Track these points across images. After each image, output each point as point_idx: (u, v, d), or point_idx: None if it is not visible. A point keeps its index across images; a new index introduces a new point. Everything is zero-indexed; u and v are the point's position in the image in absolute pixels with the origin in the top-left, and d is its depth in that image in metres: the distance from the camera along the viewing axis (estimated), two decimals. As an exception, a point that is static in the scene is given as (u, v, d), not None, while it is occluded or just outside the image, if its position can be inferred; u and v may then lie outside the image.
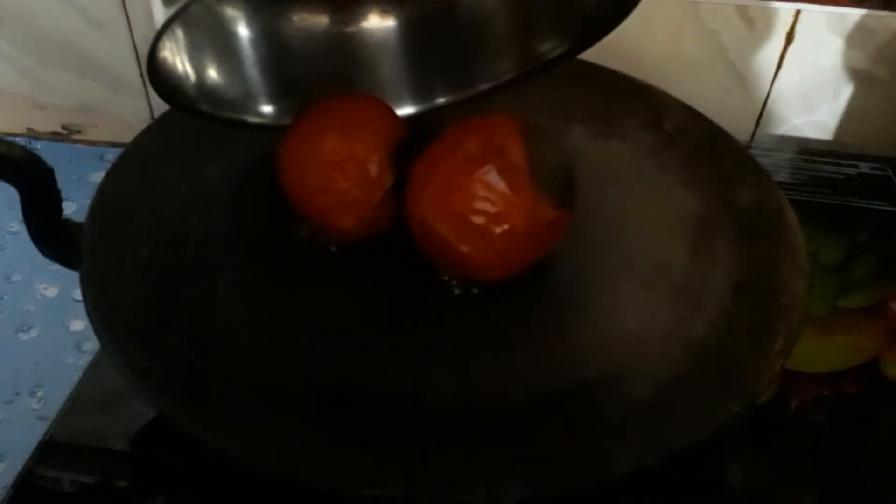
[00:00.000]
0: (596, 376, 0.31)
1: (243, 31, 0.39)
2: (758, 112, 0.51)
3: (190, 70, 0.36)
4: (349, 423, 0.29)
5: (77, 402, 0.34)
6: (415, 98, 0.42)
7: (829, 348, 0.38)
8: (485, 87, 0.41)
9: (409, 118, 0.41)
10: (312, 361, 0.32)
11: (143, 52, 0.51)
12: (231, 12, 0.38)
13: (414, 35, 0.42)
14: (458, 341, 0.34)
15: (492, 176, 0.32)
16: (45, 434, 0.33)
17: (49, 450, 0.33)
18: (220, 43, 0.38)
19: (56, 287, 0.43)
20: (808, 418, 0.35)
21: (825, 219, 0.44)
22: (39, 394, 0.38)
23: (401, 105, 0.42)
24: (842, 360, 0.37)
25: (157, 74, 0.31)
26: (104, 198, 0.35)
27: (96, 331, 0.30)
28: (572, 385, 0.31)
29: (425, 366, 0.32)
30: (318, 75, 0.41)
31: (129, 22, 0.50)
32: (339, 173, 0.35)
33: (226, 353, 0.32)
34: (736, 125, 0.48)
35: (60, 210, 0.33)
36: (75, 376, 0.36)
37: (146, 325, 0.31)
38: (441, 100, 0.42)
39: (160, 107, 0.35)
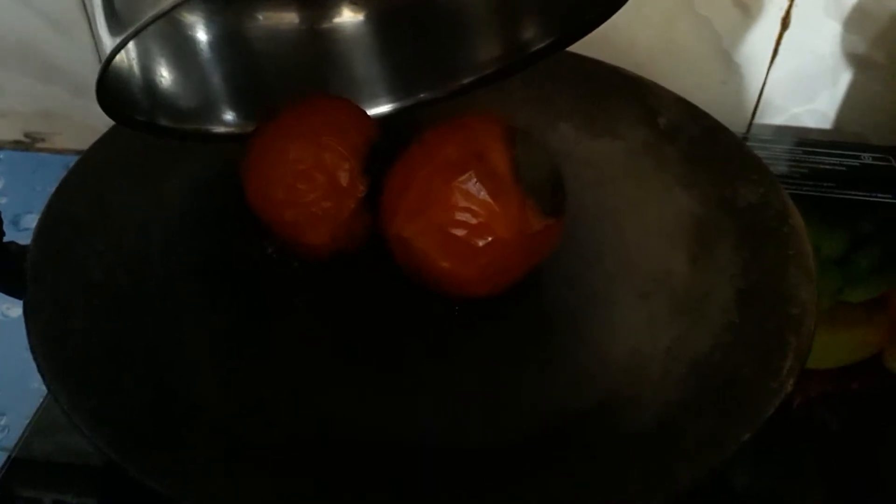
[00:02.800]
0: (593, 405, 0.30)
1: (202, 35, 0.36)
2: (754, 102, 0.50)
3: (143, 82, 0.34)
4: (324, 469, 0.27)
5: (45, 421, 0.33)
6: (391, 95, 0.40)
7: (832, 344, 0.37)
8: (465, 81, 0.39)
9: (384, 119, 0.39)
10: (283, 401, 0.30)
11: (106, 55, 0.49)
12: (189, 17, 0.36)
13: (388, 28, 0.39)
14: (441, 368, 0.32)
15: (472, 184, 0.30)
16: (13, 451, 0.32)
17: (16, 467, 0.31)
18: (176, 50, 0.35)
19: (19, 307, 0.40)
20: (812, 416, 0.34)
21: (826, 211, 0.43)
22: (2, 422, 0.36)
23: (376, 104, 0.40)
24: (846, 356, 0.36)
25: (108, 95, 0.29)
26: (52, 217, 0.33)
27: (38, 367, 0.28)
28: (567, 416, 0.29)
29: (406, 399, 0.30)
30: (284, 77, 0.39)
31: (90, 23, 0.47)
32: (307, 184, 0.32)
33: (186, 394, 0.29)
34: (731, 116, 0.47)
35: (1, 233, 0.31)
36: (40, 403, 0.34)
37: (96, 361, 0.29)
38: (419, 96, 0.40)
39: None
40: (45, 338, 0.29)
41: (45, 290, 0.31)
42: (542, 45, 0.37)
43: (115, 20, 0.25)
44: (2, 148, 0.53)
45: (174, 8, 0.23)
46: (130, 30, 0.24)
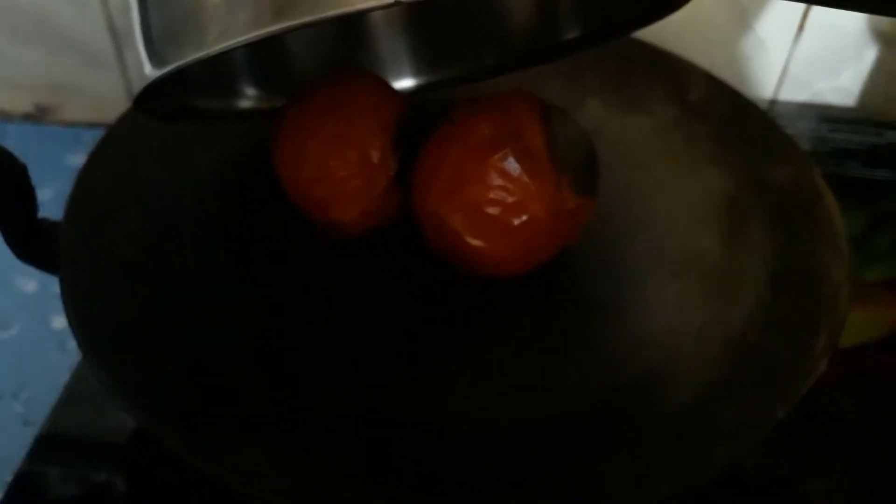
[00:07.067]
0: (628, 382, 0.29)
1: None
2: (777, 78, 0.49)
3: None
4: (356, 448, 0.27)
5: (72, 396, 0.33)
6: (417, 72, 0.39)
7: (849, 322, 0.35)
8: (492, 62, 0.38)
9: (413, 95, 0.38)
10: (317, 378, 0.30)
11: (118, 24, 0.48)
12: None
13: (420, 5, 0.37)
14: (470, 348, 0.32)
15: (509, 162, 0.29)
16: (42, 427, 0.32)
17: (43, 446, 0.31)
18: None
19: (35, 281, 0.41)
20: (825, 397, 0.33)
21: (848, 190, 0.42)
22: (24, 396, 0.36)
23: (401, 79, 0.39)
24: (862, 335, 0.36)
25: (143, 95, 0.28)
26: (83, 192, 0.32)
27: (80, 344, 0.28)
28: (602, 394, 0.29)
29: (436, 378, 0.30)
30: (311, 49, 0.37)
31: (102, -6, 0.47)
32: (338, 160, 0.32)
33: (222, 369, 0.29)
34: (753, 92, 0.47)
35: (35, 209, 0.30)
36: (61, 376, 0.34)
37: (135, 337, 0.29)
38: (445, 74, 0.39)
39: (138, 83, 0.32)
40: (83, 315, 0.28)
41: (79, 267, 0.30)
42: (575, 35, 0.36)
43: (153, 47, 0.25)
44: (12, 120, 0.52)
45: (217, 53, 0.23)
46: (172, 66, 0.24)
